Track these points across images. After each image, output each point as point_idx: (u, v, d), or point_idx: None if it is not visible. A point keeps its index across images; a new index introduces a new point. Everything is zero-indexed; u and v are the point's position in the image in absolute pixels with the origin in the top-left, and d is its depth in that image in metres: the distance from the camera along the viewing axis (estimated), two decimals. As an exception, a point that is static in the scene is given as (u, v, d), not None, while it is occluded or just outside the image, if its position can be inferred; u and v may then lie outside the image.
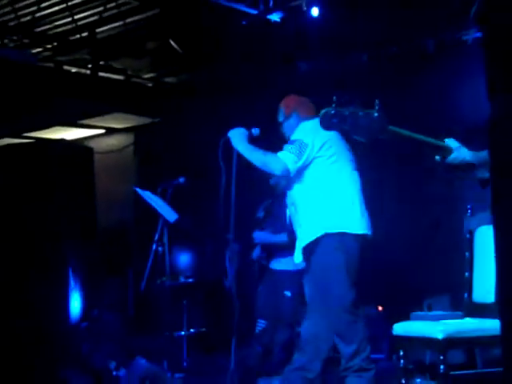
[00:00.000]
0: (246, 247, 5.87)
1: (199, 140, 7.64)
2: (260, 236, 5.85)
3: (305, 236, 4.21)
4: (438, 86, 6.18)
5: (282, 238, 5.50)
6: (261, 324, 5.46)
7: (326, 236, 4.12)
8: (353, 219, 4.16)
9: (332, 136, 4.24)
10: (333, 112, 2.56)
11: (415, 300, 5.90)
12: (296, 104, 4.51)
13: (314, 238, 4.14)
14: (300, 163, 4.16)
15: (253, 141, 4.34)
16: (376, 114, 2.54)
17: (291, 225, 4.87)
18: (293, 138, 4.27)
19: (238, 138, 4.28)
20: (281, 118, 4.52)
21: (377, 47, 6.40)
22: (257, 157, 4.21)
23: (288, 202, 4.46)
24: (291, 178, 4.26)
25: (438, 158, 2.81)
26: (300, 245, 4.24)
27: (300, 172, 4.21)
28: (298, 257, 4.32)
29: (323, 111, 2.60)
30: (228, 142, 4.30)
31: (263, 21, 6.28)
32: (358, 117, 2.55)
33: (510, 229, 1.89)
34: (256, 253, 5.88)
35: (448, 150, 2.78)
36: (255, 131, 4.38)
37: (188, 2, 6.34)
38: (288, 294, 5.59)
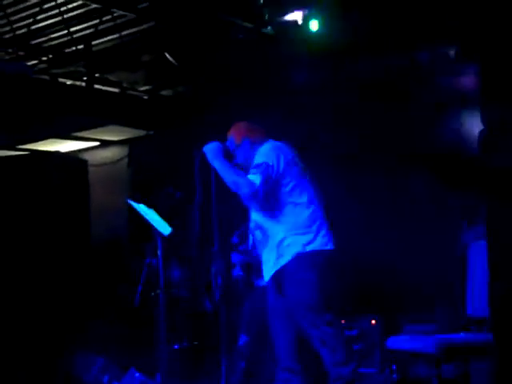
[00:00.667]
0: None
1: (193, 153, 7.64)
2: (237, 257, 5.87)
3: (277, 259, 4.25)
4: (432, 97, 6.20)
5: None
6: (243, 339, 5.45)
7: (298, 257, 4.17)
8: (321, 237, 4.22)
9: (293, 155, 4.31)
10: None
11: (409, 314, 5.90)
12: (246, 131, 4.49)
13: (287, 260, 4.19)
14: (268, 186, 4.17)
15: (229, 154, 4.36)
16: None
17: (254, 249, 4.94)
18: (256, 161, 4.25)
19: (213, 152, 4.28)
20: (231, 147, 4.47)
21: (371, 58, 6.42)
22: (229, 176, 4.20)
23: (252, 226, 4.47)
24: (257, 203, 4.27)
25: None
26: (273, 267, 4.27)
27: (266, 195, 4.23)
28: (266, 276, 4.36)
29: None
30: (204, 158, 4.30)
31: (258, 34, 6.32)
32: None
33: (503, 243, 1.90)
34: (236, 272, 5.90)
35: None
36: (230, 144, 4.40)
37: (184, 15, 6.36)
38: None
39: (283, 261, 4.21)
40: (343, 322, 6.24)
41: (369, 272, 6.40)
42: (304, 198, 4.25)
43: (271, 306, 4.43)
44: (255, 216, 4.39)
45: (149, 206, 6.13)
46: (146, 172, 8.20)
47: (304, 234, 4.20)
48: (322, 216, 4.29)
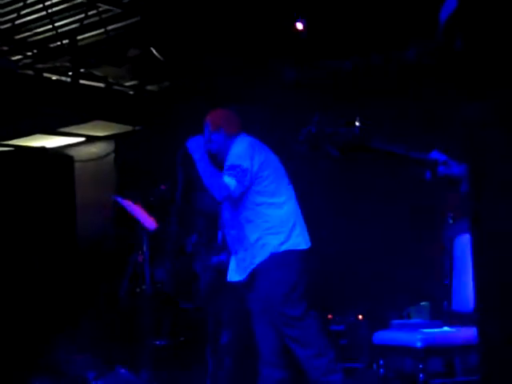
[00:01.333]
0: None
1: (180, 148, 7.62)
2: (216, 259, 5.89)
3: (252, 259, 4.26)
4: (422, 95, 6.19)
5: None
6: (227, 335, 5.44)
7: (272, 256, 4.19)
8: (294, 238, 4.24)
9: (267, 154, 4.31)
10: (313, 131, 2.54)
11: (395, 309, 5.91)
12: (223, 120, 4.46)
13: (262, 259, 4.22)
14: (243, 189, 4.18)
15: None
16: (357, 131, 2.53)
17: (223, 247, 4.95)
18: (230, 162, 4.23)
19: (195, 147, 4.27)
20: (206, 134, 4.44)
21: (362, 56, 6.41)
22: (207, 174, 4.20)
23: (224, 225, 4.47)
24: (230, 203, 4.29)
25: (428, 174, 2.78)
26: (249, 267, 4.29)
27: (240, 196, 4.22)
28: (242, 275, 4.36)
29: (304, 130, 2.59)
30: (186, 151, 4.29)
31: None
32: (338, 134, 2.55)
33: (487, 239, 1.89)
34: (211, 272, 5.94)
35: (434, 164, 2.77)
36: None
37: (170, 9, 6.33)
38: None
39: (258, 260, 4.25)
40: (330, 317, 6.26)
41: (356, 268, 6.41)
42: (278, 198, 4.27)
43: (250, 305, 4.44)
44: (228, 215, 4.39)
45: (135, 201, 6.11)
46: (132, 167, 8.17)
47: (278, 233, 4.22)
48: (296, 215, 4.30)
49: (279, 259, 4.20)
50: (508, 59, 1.72)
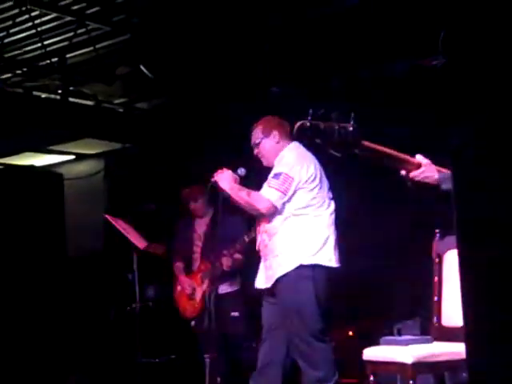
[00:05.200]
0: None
1: (170, 166, 7.62)
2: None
3: (279, 266, 4.24)
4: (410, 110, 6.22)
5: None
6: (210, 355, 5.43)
7: (300, 267, 4.16)
8: (325, 252, 4.24)
9: (316, 166, 4.28)
10: (308, 125, 2.55)
11: (385, 325, 5.90)
12: (276, 124, 4.50)
13: (290, 268, 4.20)
14: (286, 198, 4.19)
15: (241, 180, 4.40)
16: (351, 128, 2.55)
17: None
18: (277, 169, 4.26)
19: (224, 180, 4.32)
20: (257, 139, 4.48)
21: (348, 71, 6.43)
22: (241, 197, 4.25)
23: (260, 228, 4.45)
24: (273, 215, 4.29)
25: (403, 172, 2.85)
26: (274, 273, 4.27)
27: (283, 205, 4.23)
28: (268, 282, 4.32)
29: (299, 123, 2.60)
30: (215, 185, 4.34)
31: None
32: (333, 130, 2.56)
33: (474, 254, 1.90)
34: None
35: (416, 165, 2.82)
36: (241, 171, 4.44)
37: (159, 27, 6.35)
38: (236, 314, 5.68)
39: (283, 270, 4.22)
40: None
41: (346, 284, 6.40)
42: (315, 212, 4.27)
43: (269, 317, 4.40)
44: (263, 220, 4.38)
45: (126, 220, 6.11)
46: (122, 185, 8.16)
47: (307, 246, 4.21)
48: (330, 232, 4.29)
49: (305, 272, 4.18)
50: (483, 83, 1.75)
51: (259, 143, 4.47)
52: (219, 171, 4.36)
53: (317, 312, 4.18)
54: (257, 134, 4.50)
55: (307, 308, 4.17)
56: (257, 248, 4.52)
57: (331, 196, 4.39)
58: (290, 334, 4.21)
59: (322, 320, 4.19)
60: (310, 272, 4.18)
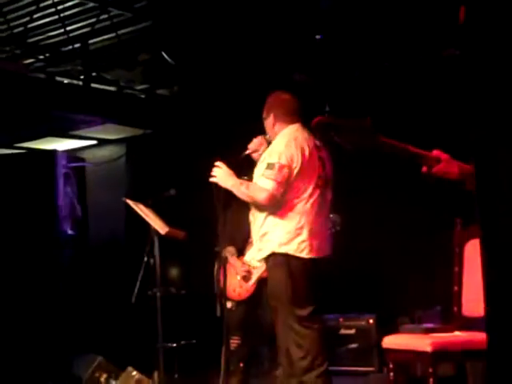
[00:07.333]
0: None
1: (191, 152, 7.65)
2: None
3: (259, 250, 4.31)
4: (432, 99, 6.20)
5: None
6: (235, 341, 5.43)
7: (273, 254, 4.19)
8: (297, 243, 4.14)
9: (302, 152, 4.17)
10: (325, 121, 2.56)
11: (405, 313, 5.91)
12: (276, 104, 4.41)
13: (265, 254, 4.24)
14: (284, 185, 4.14)
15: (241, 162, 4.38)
16: (368, 124, 2.55)
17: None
18: (271, 158, 4.18)
19: (223, 178, 4.28)
20: (264, 114, 4.48)
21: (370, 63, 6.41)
22: (242, 192, 4.23)
23: (252, 209, 4.46)
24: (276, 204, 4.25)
25: (424, 169, 2.84)
26: (259, 255, 4.33)
27: (284, 193, 4.20)
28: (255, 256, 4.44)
29: (316, 119, 2.60)
30: (217, 184, 4.31)
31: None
32: (350, 126, 2.56)
33: (496, 245, 1.91)
34: None
35: (436, 161, 2.81)
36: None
37: (181, 14, 6.36)
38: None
39: (262, 254, 4.27)
40: (341, 320, 6.27)
41: (366, 272, 6.42)
42: (301, 200, 4.17)
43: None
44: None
45: (147, 204, 6.14)
46: (143, 170, 8.21)
47: (279, 235, 4.16)
48: (307, 221, 4.18)
49: (279, 259, 4.16)
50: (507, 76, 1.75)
51: (264, 120, 4.47)
52: (215, 169, 4.30)
53: (295, 299, 4.12)
54: (263, 110, 4.49)
55: (283, 295, 4.14)
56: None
57: (316, 185, 4.23)
58: (276, 319, 4.22)
59: (303, 307, 4.13)
60: (283, 260, 4.15)
